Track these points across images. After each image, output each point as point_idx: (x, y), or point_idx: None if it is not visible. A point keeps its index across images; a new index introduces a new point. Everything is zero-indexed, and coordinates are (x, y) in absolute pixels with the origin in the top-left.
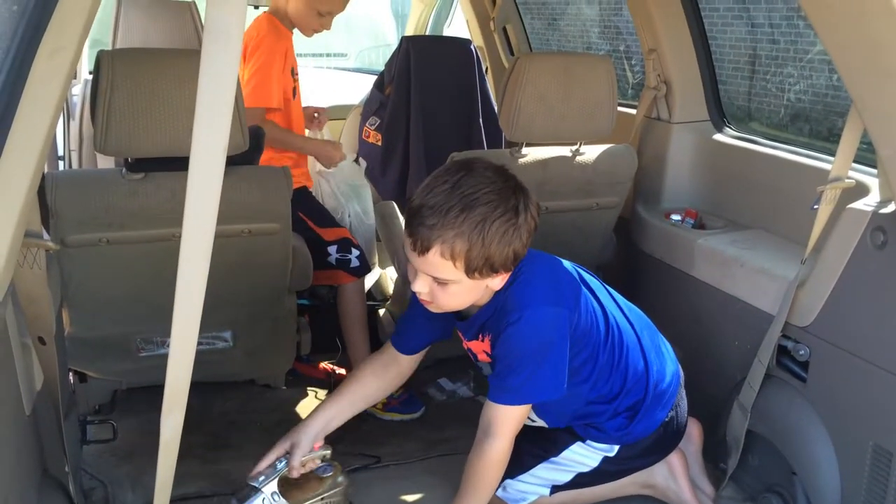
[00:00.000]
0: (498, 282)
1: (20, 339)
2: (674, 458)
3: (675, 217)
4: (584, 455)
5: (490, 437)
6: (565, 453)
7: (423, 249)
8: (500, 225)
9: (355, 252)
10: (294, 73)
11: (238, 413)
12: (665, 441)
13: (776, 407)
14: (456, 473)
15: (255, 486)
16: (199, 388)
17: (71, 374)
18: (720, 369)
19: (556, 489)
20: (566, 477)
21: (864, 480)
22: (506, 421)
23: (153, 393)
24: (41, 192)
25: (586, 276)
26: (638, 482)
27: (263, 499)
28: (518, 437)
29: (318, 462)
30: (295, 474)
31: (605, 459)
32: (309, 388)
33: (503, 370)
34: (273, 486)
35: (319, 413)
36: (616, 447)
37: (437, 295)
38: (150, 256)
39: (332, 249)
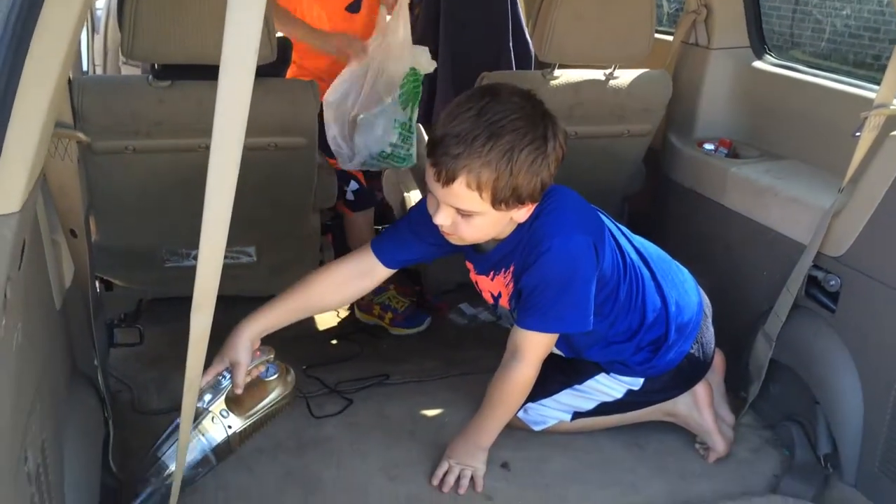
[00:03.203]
0: (523, 213)
1: (50, 235)
2: (699, 388)
3: (708, 146)
4: (608, 386)
5: (516, 360)
6: (589, 382)
7: (448, 180)
8: (529, 153)
9: (353, 185)
10: None
11: None
12: (690, 374)
13: (802, 336)
14: (475, 392)
15: (202, 407)
16: (224, 302)
17: (97, 281)
18: (747, 299)
19: (577, 415)
20: (589, 405)
21: (888, 411)
22: (532, 347)
23: (178, 304)
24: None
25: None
26: (660, 410)
27: (213, 418)
28: (544, 363)
29: (262, 367)
30: (240, 391)
31: (630, 392)
32: None
33: (532, 298)
34: (220, 403)
35: (256, 319)
36: (640, 380)
37: (460, 227)
38: (176, 166)
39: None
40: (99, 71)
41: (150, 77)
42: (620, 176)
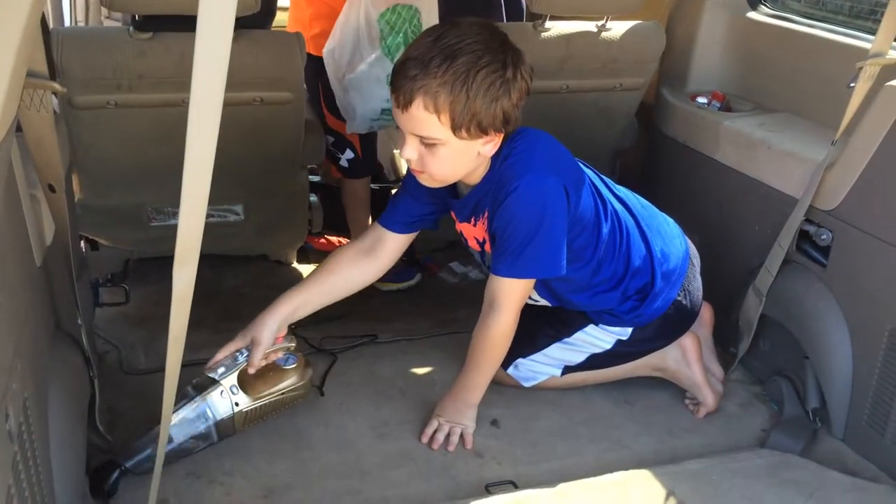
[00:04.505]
0: (489, 148)
1: (28, 191)
2: (686, 342)
3: (701, 100)
4: (597, 337)
5: (494, 311)
6: (578, 334)
7: (406, 103)
8: (486, 76)
9: (349, 154)
10: None
11: (249, 287)
12: (677, 322)
13: (793, 291)
14: (464, 351)
15: (214, 378)
16: (212, 262)
17: (82, 241)
18: (738, 254)
19: (567, 370)
20: (579, 358)
21: (877, 364)
22: (508, 295)
23: (164, 264)
24: (47, 48)
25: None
26: (649, 364)
27: (222, 391)
28: (532, 317)
29: (281, 354)
30: (253, 370)
31: (619, 342)
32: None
33: (503, 242)
34: (233, 378)
35: (284, 302)
36: (629, 329)
37: (427, 161)
38: (159, 122)
39: (328, 139)
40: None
41: (131, 28)
42: (612, 131)
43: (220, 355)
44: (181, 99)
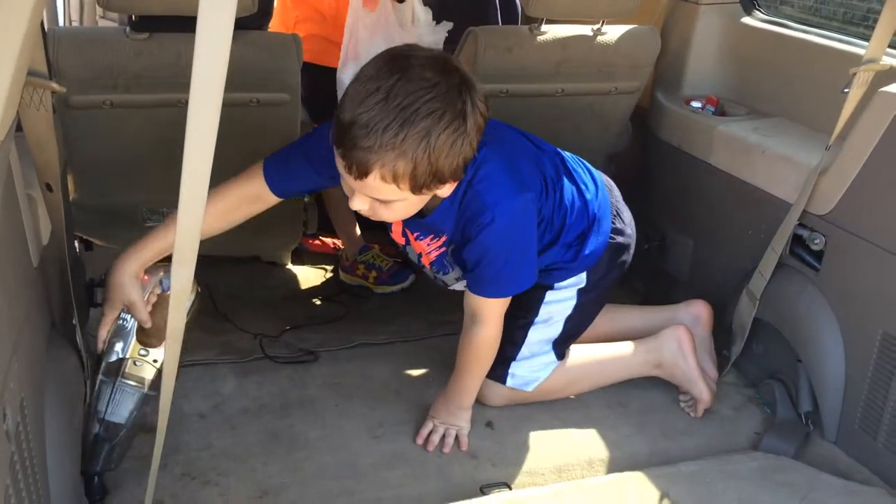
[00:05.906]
0: (447, 189)
1: (25, 191)
2: (681, 334)
3: (696, 104)
4: (559, 300)
5: (477, 324)
6: (543, 309)
7: (361, 174)
8: (448, 136)
9: None
10: None
11: (243, 288)
12: (621, 246)
13: (786, 295)
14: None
15: (121, 358)
16: (205, 263)
17: (76, 241)
18: (732, 258)
19: (556, 346)
20: (557, 329)
21: (869, 367)
22: (489, 309)
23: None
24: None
25: (507, 129)
26: (647, 361)
27: (135, 362)
28: None
29: (157, 289)
30: (149, 325)
31: (580, 292)
32: (315, 267)
33: (480, 269)
34: (134, 346)
35: (138, 253)
36: (583, 275)
37: (380, 212)
38: (154, 122)
39: None
40: (76, 26)
41: (128, 29)
42: (607, 134)
43: (104, 333)
44: (177, 99)
